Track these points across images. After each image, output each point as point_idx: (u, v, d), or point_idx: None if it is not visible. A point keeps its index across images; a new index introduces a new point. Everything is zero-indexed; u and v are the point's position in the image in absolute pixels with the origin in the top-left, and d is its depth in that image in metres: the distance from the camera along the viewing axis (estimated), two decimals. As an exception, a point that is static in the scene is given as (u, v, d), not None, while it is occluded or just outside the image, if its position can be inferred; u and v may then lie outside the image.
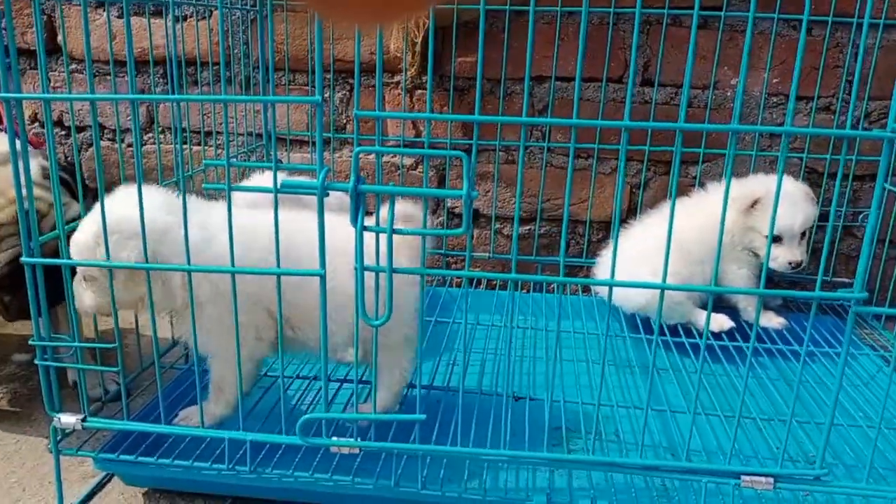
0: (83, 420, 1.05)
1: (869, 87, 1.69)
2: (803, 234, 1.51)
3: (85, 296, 1.06)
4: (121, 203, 1.01)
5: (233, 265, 0.94)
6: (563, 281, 0.93)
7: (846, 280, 1.75)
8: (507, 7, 1.68)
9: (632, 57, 0.85)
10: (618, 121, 0.85)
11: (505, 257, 1.90)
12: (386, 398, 1.16)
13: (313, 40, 1.82)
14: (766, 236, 1.48)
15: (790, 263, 1.50)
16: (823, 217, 1.81)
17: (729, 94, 1.74)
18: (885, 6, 1.64)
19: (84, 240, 1.02)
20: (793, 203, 1.47)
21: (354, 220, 0.87)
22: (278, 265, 0.93)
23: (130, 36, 0.93)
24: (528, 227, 1.91)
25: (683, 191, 1.70)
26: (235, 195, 0.94)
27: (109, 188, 1.93)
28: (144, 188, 0.96)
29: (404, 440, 1.05)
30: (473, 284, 1.85)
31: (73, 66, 1.94)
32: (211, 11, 1.80)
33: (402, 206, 1.10)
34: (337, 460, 1.07)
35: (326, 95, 1.86)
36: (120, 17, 1.87)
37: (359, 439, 1.02)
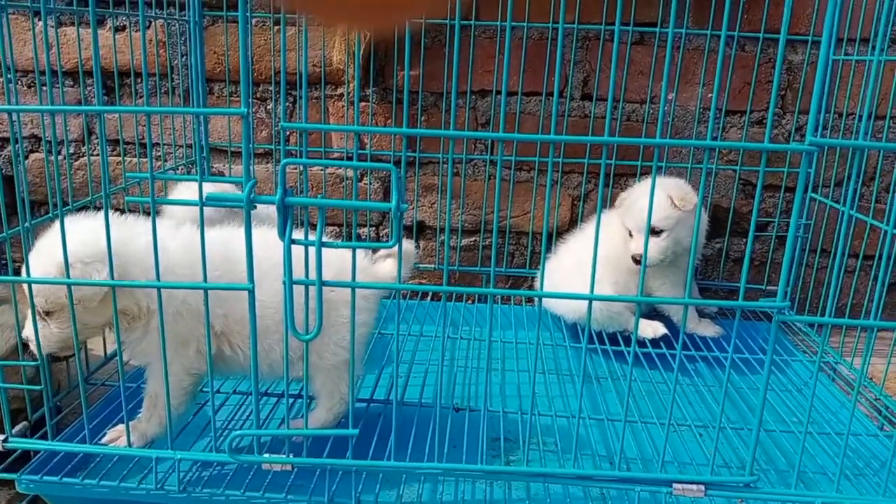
0: (4, 441, 1.01)
1: (799, 102, 1.75)
2: (659, 232, 1.53)
3: (47, 334, 1.01)
4: (73, 232, 0.97)
5: (158, 279, 0.92)
6: (494, 292, 0.93)
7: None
8: (447, 21, 1.70)
9: (556, 70, 0.86)
10: (547, 135, 0.86)
11: (438, 268, 1.90)
12: (324, 417, 1.15)
13: (258, 51, 1.81)
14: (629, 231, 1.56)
15: (632, 256, 1.53)
16: (760, 228, 1.87)
17: (665, 108, 1.78)
18: (813, 22, 1.70)
19: (44, 269, 0.97)
20: (646, 203, 1.51)
21: (282, 233, 0.86)
22: (205, 279, 0.92)
23: (48, 45, 0.90)
24: (473, 239, 1.92)
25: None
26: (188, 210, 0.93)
27: (44, 201, 1.88)
28: (86, 217, 0.95)
29: (341, 455, 1.03)
30: (419, 296, 1.85)
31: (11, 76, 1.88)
32: (151, 22, 1.78)
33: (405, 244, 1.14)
34: (270, 477, 1.05)
35: (269, 107, 1.85)
36: (58, 26, 1.83)
37: (292, 455, 1.00)
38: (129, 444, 1.05)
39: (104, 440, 1.09)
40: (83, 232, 0.97)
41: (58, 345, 1.02)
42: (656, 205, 1.47)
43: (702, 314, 1.70)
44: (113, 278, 0.94)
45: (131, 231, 1.00)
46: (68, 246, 0.94)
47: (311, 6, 0.29)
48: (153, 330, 1.01)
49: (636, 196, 1.56)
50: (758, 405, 1.38)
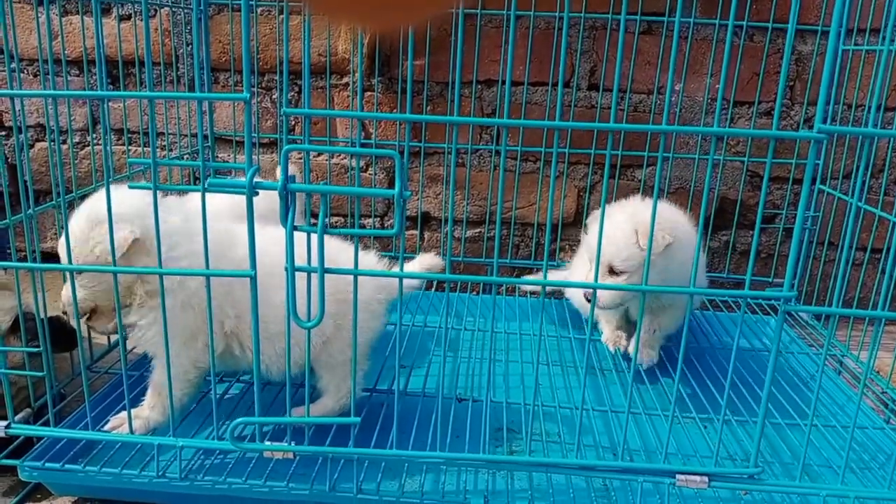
0: (7, 427, 1.01)
1: (808, 92, 1.73)
2: (619, 273, 1.31)
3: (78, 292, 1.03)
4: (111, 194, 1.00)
5: (160, 266, 0.92)
6: (497, 281, 0.93)
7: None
8: (454, 10, 1.68)
9: (562, 58, 0.85)
10: (548, 121, 0.86)
11: (442, 258, 1.89)
12: (330, 406, 1.15)
13: (263, 40, 1.80)
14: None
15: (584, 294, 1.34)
16: (768, 220, 1.85)
17: (673, 99, 1.77)
18: (823, 13, 1.68)
19: (78, 227, 1.00)
20: (613, 236, 1.28)
21: (284, 220, 0.85)
22: (207, 266, 0.91)
23: (52, 34, 0.90)
24: (478, 230, 1.91)
25: (629, 194, 1.72)
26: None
27: (49, 190, 1.88)
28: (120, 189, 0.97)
29: (344, 445, 1.03)
30: (423, 286, 1.84)
31: (20, 65, 1.88)
32: (156, 10, 1.77)
33: (429, 259, 1.19)
34: (272, 466, 1.05)
35: (274, 97, 1.84)
36: (63, 14, 1.83)
37: (294, 444, 1.00)
38: (132, 432, 1.05)
39: (107, 427, 1.09)
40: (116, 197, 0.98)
41: (87, 304, 1.04)
42: (618, 242, 1.27)
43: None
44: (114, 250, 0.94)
45: (168, 206, 1.01)
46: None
47: (317, 2, 0.29)
48: (157, 320, 1.01)
49: (600, 225, 1.34)
50: (763, 397, 1.38)
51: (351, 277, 0.91)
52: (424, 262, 1.24)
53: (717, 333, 1.66)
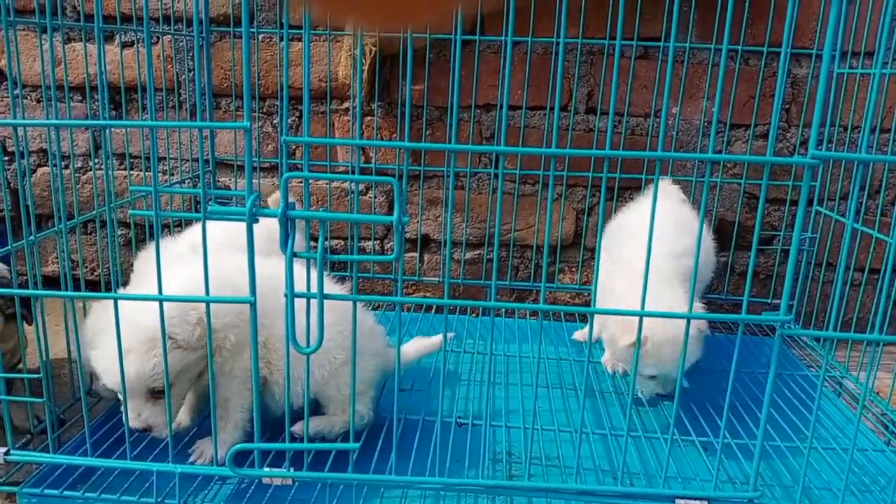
0: (6, 453, 1.01)
1: (804, 115, 1.75)
2: None
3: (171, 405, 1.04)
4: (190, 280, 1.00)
5: (160, 292, 0.92)
6: (495, 305, 0.93)
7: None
8: (452, 36, 1.71)
9: (558, 83, 0.87)
10: (545, 148, 0.87)
11: (441, 282, 1.90)
12: (327, 427, 1.15)
13: (264, 66, 1.82)
14: None
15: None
16: (766, 241, 1.86)
17: (670, 122, 1.78)
18: (817, 36, 1.70)
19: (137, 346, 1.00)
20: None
21: (284, 246, 0.86)
22: (207, 293, 0.92)
23: (54, 61, 0.91)
24: (477, 252, 1.92)
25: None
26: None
27: (52, 215, 1.90)
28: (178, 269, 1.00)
29: (343, 467, 1.03)
30: (423, 309, 1.84)
31: (23, 91, 1.90)
32: (158, 37, 1.80)
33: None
34: (271, 491, 1.05)
35: (275, 121, 1.86)
36: (66, 42, 1.85)
37: (293, 469, 1.00)
38: (129, 457, 1.05)
39: (190, 460, 1.10)
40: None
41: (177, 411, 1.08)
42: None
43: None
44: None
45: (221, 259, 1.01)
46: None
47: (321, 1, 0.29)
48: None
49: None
50: (762, 420, 1.37)
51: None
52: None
53: (716, 355, 1.65)
